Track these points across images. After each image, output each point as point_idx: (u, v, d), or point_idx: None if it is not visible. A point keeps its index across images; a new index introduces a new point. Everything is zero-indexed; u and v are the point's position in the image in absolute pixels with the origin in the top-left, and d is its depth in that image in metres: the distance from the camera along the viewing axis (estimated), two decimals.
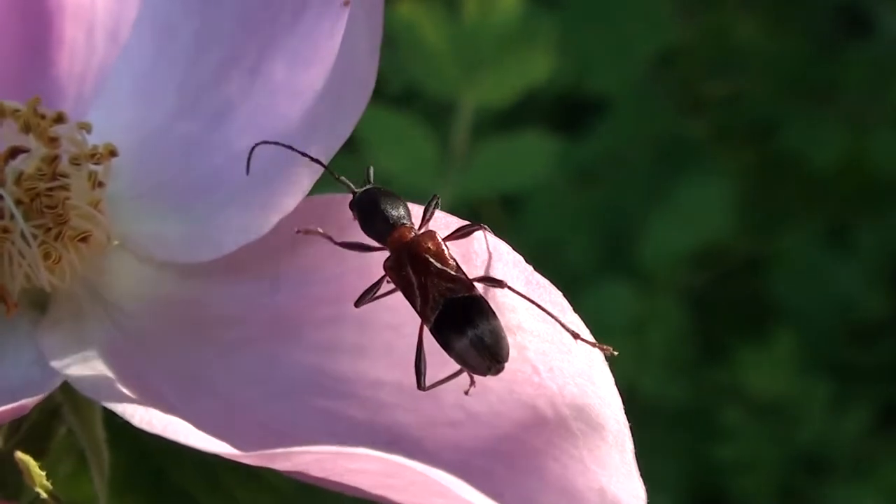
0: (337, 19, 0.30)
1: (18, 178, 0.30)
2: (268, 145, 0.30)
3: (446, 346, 0.28)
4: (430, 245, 0.29)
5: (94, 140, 0.32)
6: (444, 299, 0.28)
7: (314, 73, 0.30)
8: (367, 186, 0.30)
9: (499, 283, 0.29)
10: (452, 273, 0.29)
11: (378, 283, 0.29)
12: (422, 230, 0.29)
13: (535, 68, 0.71)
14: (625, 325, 0.96)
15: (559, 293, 0.28)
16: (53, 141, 0.31)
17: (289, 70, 0.31)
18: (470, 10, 0.71)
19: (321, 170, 0.30)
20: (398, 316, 0.29)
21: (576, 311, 0.29)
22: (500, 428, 0.28)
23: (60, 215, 0.30)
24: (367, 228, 0.30)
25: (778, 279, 1.01)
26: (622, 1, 1.01)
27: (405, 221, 0.29)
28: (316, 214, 0.30)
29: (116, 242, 0.32)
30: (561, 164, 0.79)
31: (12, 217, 0.30)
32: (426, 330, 0.28)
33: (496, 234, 0.30)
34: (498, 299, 0.28)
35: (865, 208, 1.02)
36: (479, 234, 0.29)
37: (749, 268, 1.04)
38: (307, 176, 0.30)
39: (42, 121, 0.31)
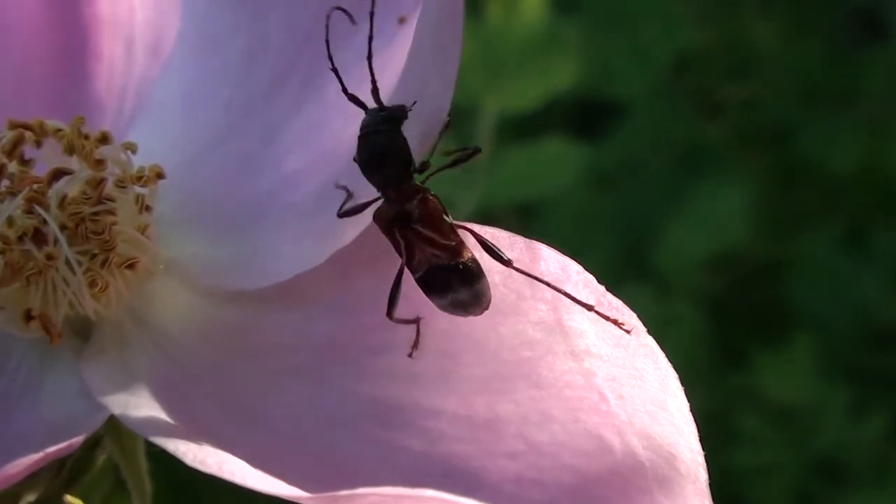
0: (393, 35, 0.28)
1: (62, 202, 0.29)
2: (326, 164, 0.29)
3: (427, 296, 0.28)
4: (421, 212, 0.28)
5: (139, 160, 0.30)
6: (428, 265, 0.28)
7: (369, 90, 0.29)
8: (378, 121, 0.28)
9: (506, 263, 0.27)
10: (441, 242, 0.28)
11: (396, 287, 0.28)
12: (415, 199, 0.28)
13: (558, 74, 0.70)
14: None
15: (634, 316, 0.27)
16: (99, 163, 0.29)
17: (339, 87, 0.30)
18: (493, 16, 0.69)
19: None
20: (454, 343, 0.28)
21: None
22: (564, 459, 0.26)
23: (107, 241, 0.29)
24: (365, 171, 0.28)
25: (796, 284, 1.00)
26: (641, 6, 0.99)
27: (403, 177, 0.28)
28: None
29: (162, 267, 0.30)
30: (579, 168, 0.78)
31: (56, 242, 0.28)
32: (407, 271, 0.28)
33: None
34: (565, 323, 0.27)
35: (884, 212, 1.01)
36: (548, 254, 0.28)
37: (767, 272, 1.02)
38: (370, 205, 0.28)
39: (86, 141, 0.30)
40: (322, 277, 0.29)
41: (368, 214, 0.28)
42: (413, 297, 0.28)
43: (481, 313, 0.28)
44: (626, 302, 0.89)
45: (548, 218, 0.96)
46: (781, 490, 0.95)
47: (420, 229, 0.28)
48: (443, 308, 0.28)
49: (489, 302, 0.27)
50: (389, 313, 0.28)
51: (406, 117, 0.28)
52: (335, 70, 0.28)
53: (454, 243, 0.27)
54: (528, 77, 0.69)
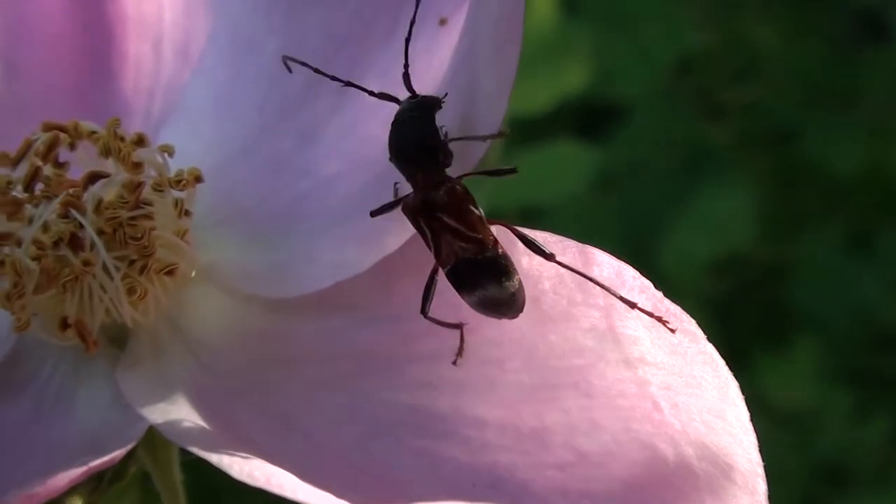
0: (433, 38, 0.27)
1: (98, 206, 0.28)
2: (365, 168, 0.28)
3: (459, 294, 0.27)
4: (447, 201, 0.27)
5: (174, 163, 0.29)
6: (455, 258, 0.27)
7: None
8: (410, 108, 0.27)
9: (548, 256, 0.27)
10: (468, 234, 0.27)
11: (430, 284, 0.27)
12: (442, 188, 0.27)
13: (569, 77, 0.69)
14: None
15: (693, 321, 0.26)
16: (136, 166, 0.28)
17: (381, 89, 0.29)
18: None
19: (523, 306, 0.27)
20: (500, 350, 0.27)
21: None
22: (614, 470, 0.26)
23: (146, 247, 0.28)
24: (395, 158, 0.27)
25: (798, 286, 0.99)
26: (643, 8, 0.99)
27: (432, 165, 0.27)
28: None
29: (198, 273, 0.29)
30: (588, 172, 0.77)
31: (93, 248, 0.27)
32: (441, 269, 0.27)
33: None
34: (618, 330, 0.26)
35: (887, 215, 1.01)
36: (603, 259, 0.27)
37: (770, 275, 1.02)
38: (402, 201, 0.27)
39: (122, 144, 0.29)
40: (363, 285, 0.28)
41: (408, 225, 0.27)
42: (459, 304, 0.27)
43: (515, 316, 0.27)
44: None
45: (550, 220, 0.95)
46: (784, 493, 0.95)
47: (446, 219, 0.27)
48: (475, 307, 0.27)
49: (522, 303, 0.27)
50: (423, 310, 0.27)
51: (440, 107, 0.27)
52: (351, 84, 0.28)
53: (481, 236, 0.27)
54: (540, 80, 0.68)
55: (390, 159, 0.27)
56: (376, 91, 0.28)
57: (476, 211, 0.27)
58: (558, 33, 0.69)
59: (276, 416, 0.27)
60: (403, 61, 0.27)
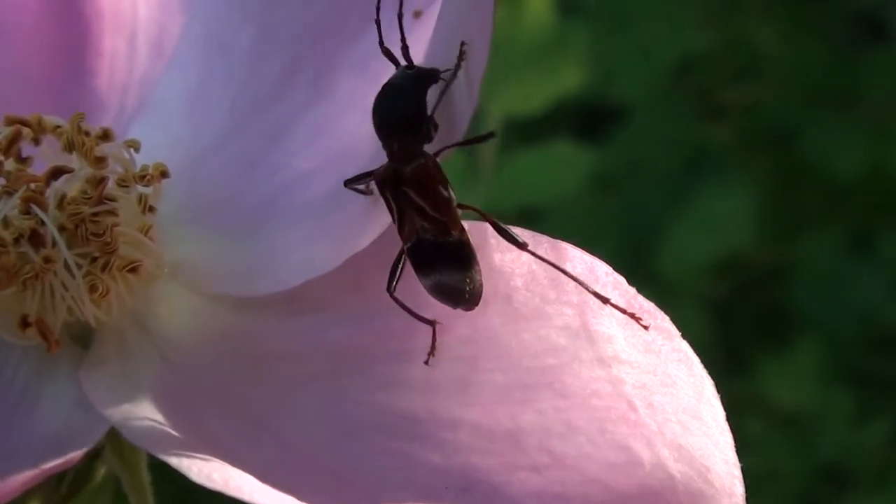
0: (408, 32, 0.27)
1: (61, 202, 0.27)
2: (340, 163, 0.27)
3: (416, 275, 0.26)
4: (416, 176, 0.26)
5: (142, 159, 0.29)
6: (415, 237, 0.26)
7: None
8: (401, 76, 0.26)
9: (521, 245, 0.26)
10: (431, 213, 0.26)
11: (397, 262, 0.26)
12: (414, 163, 0.26)
13: (564, 78, 0.69)
14: None
15: (666, 318, 0.25)
16: (100, 161, 0.27)
17: (354, 84, 0.28)
18: (500, 19, 0.68)
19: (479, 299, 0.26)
20: (473, 348, 0.26)
21: None
22: (590, 472, 0.25)
23: (108, 244, 0.27)
24: (374, 124, 0.26)
25: (799, 288, 0.98)
26: (644, 8, 0.98)
27: (409, 138, 0.26)
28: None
29: (166, 271, 0.28)
30: (586, 173, 0.77)
31: (54, 245, 0.27)
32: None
33: None
34: (592, 328, 0.25)
35: (888, 216, 1.00)
36: (575, 254, 0.26)
37: (770, 276, 1.01)
38: (384, 214, 0.26)
39: (86, 138, 0.28)
40: (335, 282, 0.27)
41: (383, 218, 0.26)
42: (434, 302, 0.26)
43: (470, 308, 0.26)
44: None
45: (550, 221, 0.94)
46: (785, 495, 0.94)
47: (412, 195, 0.26)
48: (430, 292, 0.26)
49: (479, 296, 0.26)
50: (389, 287, 0.26)
51: (435, 80, 0.26)
52: (378, 22, 0.27)
53: (445, 218, 0.26)
54: (535, 80, 0.68)
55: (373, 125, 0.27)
56: (384, 46, 0.27)
57: (445, 192, 0.26)
58: (554, 34, 0.68)
59: (245, 417, 0.26)
60: (400, 35, 0.26)
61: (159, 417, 0.26)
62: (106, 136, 0.28)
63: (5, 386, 0.27)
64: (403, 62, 0.27)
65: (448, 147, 0.27)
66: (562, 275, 0.25)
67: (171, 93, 0.30)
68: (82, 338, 0.28)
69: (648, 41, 0.97)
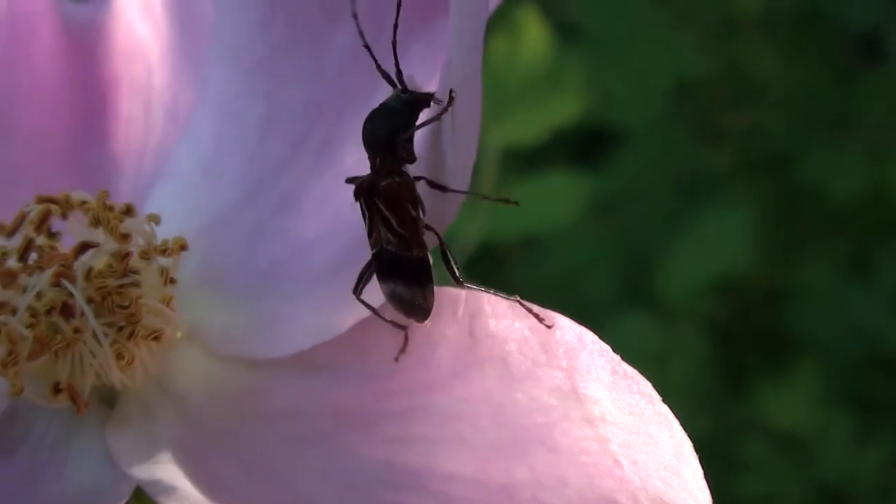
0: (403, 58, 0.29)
1: (88, 274, 0.30)
2: (343, 232, 0.30)
3: (378, 281, 0.29)
4: (386, 190, 0.29)
5: (161, 228, 0.31)
6: (380, 246, 0.29)
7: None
8: (394, 97, 0.29)
9: (458, 281, 0.28)
10: (396, 228, 0.28)
11: (366, 268, 0.29)
12: (389, 179, 0.29)
13: (561, 108, 0.71)
14: (646, 357, 0.95)
15: (648, 384, 0.28)
16: (124, 237, 0.30)
17: (357, 154, 0.31)
18: (497, 51, 0.70)
19: (428, 314, 0.29)
20: (470, 408, 0.29)
21: None
22: None
23: (133, 314, 0.30)
24: (362, 137, 0.29)
25: (799, 310, 1.00)
26: (641, 34, 1.00)
27: (390, 155, 0.29)
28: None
29: (182, 334, 0.31)
30: (583, 201, 0.79)
31: (83, 315, 0.29)
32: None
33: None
34: (580, 390, 0.28)
35: (886, 238, 1.02)
36: (562, 323, 0.29)
37: (769, 299, 1.03)
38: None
39: (111, 213, 0.31)
40: (339, 344, 0.30)
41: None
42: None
43: (422, 321, 0.29)
44: (629, 329, 0.90)
45: (550, 244, 0.97)
46: None
47: (381, 207, 0.29)
48: (387, 299, 0.29)
49: (429, 311, 0.29)
50: (355, 290, 0.29)
51: (427, 105, 0.28)
52: (368, 47, 0.29)
53: (408, 235, 0.28)
54: (532, 111, 0.70)
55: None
56: (382, 68, 0.29)
57: (413, 212, 0.29)
58: (551, 65, 0.71)
59: (259, 472, 0.29)
60: (394, 61, 0.29)
61: (180, 474, 0.28)
62: (129, 211, 0.31)
63: (36, 444, 0.30)
64: (400, 86, 0.29)
65: (424, 178, 0.29)
66: (552, 340, 0.28)
67: (187, 163, 0.33)
68: (108, 398, 0.31)
69: (646, 66, 0.99)
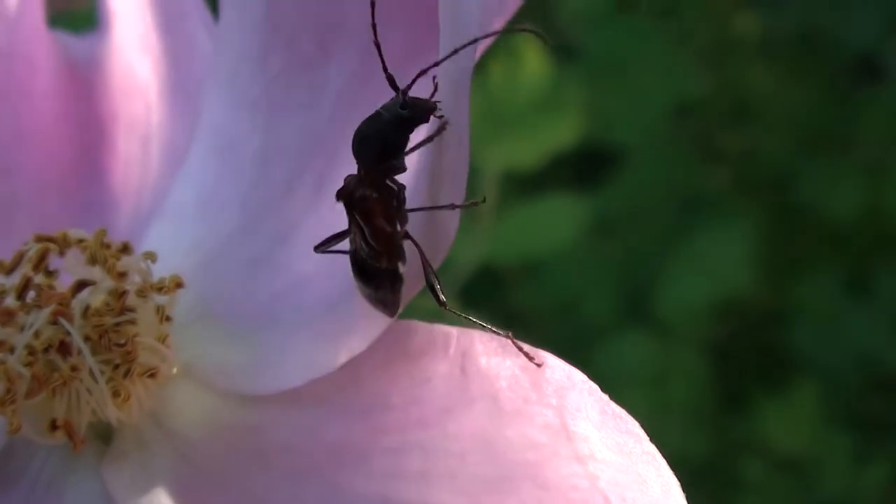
0: None
1: (85, 312, 0.30)
2: (338, 268, 0.30)
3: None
4: (361, 203, 0.29)
5: (158, 265, 0.32)
6: (354, 247, 0.29)
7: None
8: (389, 107, 0.28)
9: (441, 303, 0.29)
10: (367, 238, 0.29)
11: (337, 234, 0.30)
12: (367, 191, 0.29)
13: (560, 133, 0.72)
14: (645, 377, 0.96)
15: (636, 423, 0.28)
16: (122, 275, 0.31)
17: None
18: (496, 77, 0.71)
19: (395, 312, 0.29)
20: (462, 444, 0.29)
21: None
22: None
23: (129, 352, 0.30)
24: (352, 141, 0.29)
25: (798, 330, 1.01)
26: (640, 54, 1.01)
27: (373, 166, 0.28)
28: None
29: (178, 370, 0.32)
30: (582, 224, 0.80)
31: (80, 353, 0.30)
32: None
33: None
34: (570, 428, 0.28)
35: (885, 258, 1.03)
36: (552, 362, 0.29)
37: (769, 319, 1.04)
38: (381, 316, 0.29)
39: (108, 251, 0.31)
40: (333, 380, 0.30)
41: (380, 324, 0.29)
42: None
43: (392, 316, 0.30)
44: (628, 349, 0.90)
45: (549, 265, 0.97)
46: None
47: (357, 216, 0.29)
48: (360, 293, 0.30)
49: (396, 309, 0.29)
50: (317, 246, 0.30)
51: (423, 120, 0.28)
52: (378, 45, 0.28)
53: (380, 249, 0.29)
54: (531, 136, 0.71)
55: None
56: (388, 72, 0.29)
57: (388, 228, 0.29)
58: (550, 90, 0.71)
59: None
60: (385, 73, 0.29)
61: None
62: (126, 249, 0.31)
63: (32, 480, 0.30)
64: (403, 96, 0.29)
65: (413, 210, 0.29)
66: (542, 379, 0.28)
67: (185, 198, 0.34)
68: (104, 434, 0.31)
69: (646, 86, 0.99)
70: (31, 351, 0.30)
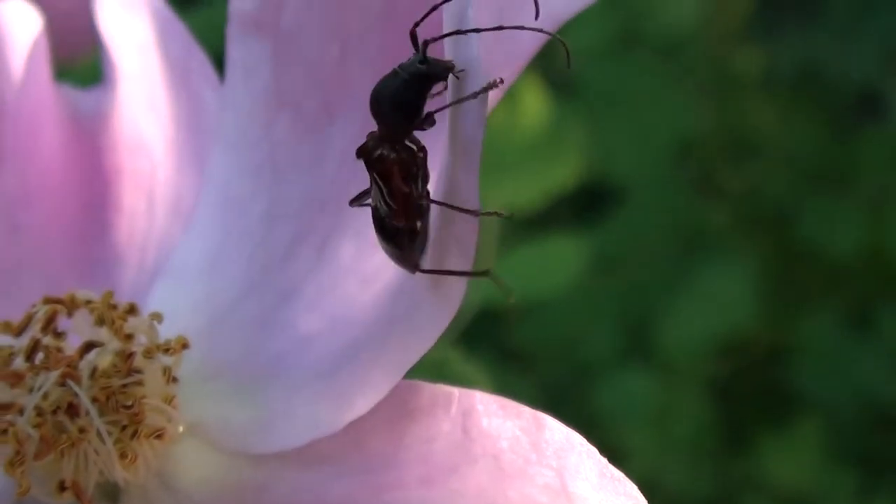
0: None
1: (93, 373, 0.31)
2: (341, 329, 0.31)
3: None
4: (379, 163, 0.29)
5: (164, 324, 0.32)
6: (374, 206, 0.29)
7: (382, 261, 0.31)
8: (408, 66, 0.28)
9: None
10: (386, 198, 0.29)
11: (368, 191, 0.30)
12: (384, 151, 0.28)
13: (560, 174, 0.73)
14: (647, 415, 0.96)
15: (634, 486, 0.29)
16: (129, 337, 0.32)
17: (356, 252, 0.32)
18: (496, 117, 0.72)
19: (400, 376, 0.30)
20: (463, 500, 0.30)
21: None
22: None
23: (136, 414, 0.31)
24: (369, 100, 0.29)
25: (800, 367, 1.01)
26: (641, 90, 1.02)
27: (390, 125, 0.28)
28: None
29: (183, 429, 0.32)
30: (584, 263, 0.80)
31: (88, 414, 0.31)
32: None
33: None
34: (570, 489, 0.29)
35: (887, 294, 1.03)
36: (551, 424, 0.30)
37: (771, 356, 1.04)
38: (384, 378, 0.30)
39: (115, 313, 0.32)
40: (337, 439, 0.31)
41: (382, 385, 0.30)
42: None
43: (410, 272, 0.29)
44: (631, 387, 0.90)
45: (550, 307, 0.98)
46: None
47: (375, 175, 0.29)
48: (380, 245, 0.30)
49: (415, 267, 0.29)
50: (352, 201, 0.30)
51: (441, 77, 0.28)
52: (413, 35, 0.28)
53: (396, 208, 0.29)
54: (532, 177, 0.72)
55: None
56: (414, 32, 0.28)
57: (405, 188, 0.29)
58: (550, 131, 0.72)
59: None
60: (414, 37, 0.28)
61: None
62: (132, 310, 0.32)
63: None
64: (423, 52, 0.28)
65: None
66: (542, 440, 0.29)
67: (191, 258, 0.34)
68: (111, 494, 0.32)
69: (646, 123, 1.00)
70: (40, 412, 0.31)
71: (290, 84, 0.33)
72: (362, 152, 0.29)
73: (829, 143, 1.06)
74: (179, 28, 0.37)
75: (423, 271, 0.29)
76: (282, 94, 0.33)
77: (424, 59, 0.28)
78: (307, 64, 0.33)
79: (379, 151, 0.29)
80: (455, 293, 0.29)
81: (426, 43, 0.28)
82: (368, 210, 0.32)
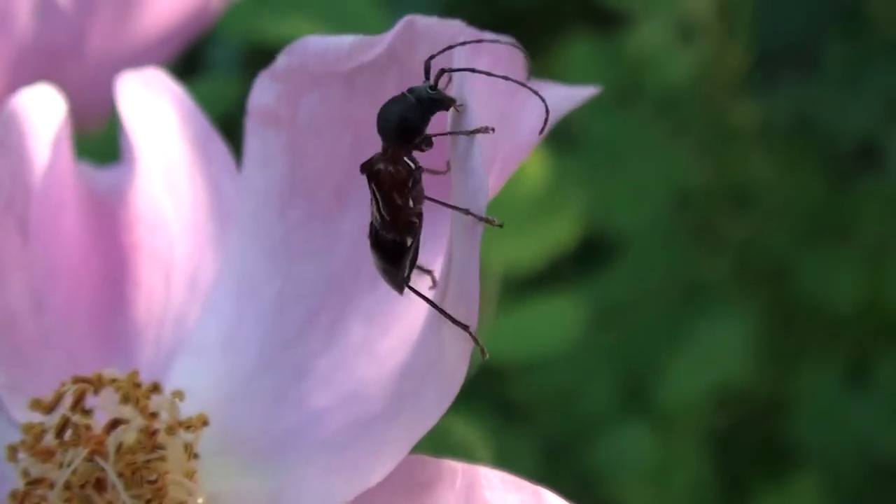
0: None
1: (119, 449, 0.34)
2: (351, 404, 0.33)
3: None
4: (377, 177, 0.31)
5: (184, 401, 0.35)
6: (371, 218, 0.32)
7: (393, 342, 0.33)
8: (417, 91, 0.31)
9: (465, 327, 0.31)
10: (381, 208, 0.31)
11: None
12: (386, 165, 0.31)
13: (561, 233, 0.75)
14: (645, 470, 0.98)
15: None
16: (153, 415, 0.34)
17: (365, 331, 0.35)
18: None
19: (408, 449, 0.32)
20: None
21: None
22: None
23: (160, 489, 0.33)
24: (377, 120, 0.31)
25: (799, 420, 1.03)
26: (638, 142, 1.04)
27: (397, 144, 0.31)
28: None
29: (201, 501, 0.35)
30: (582, 322, 0.82)
31: (114, 488, 0.33)
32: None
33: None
34: None
35: (886, 347, 1.05)
36: (550, 498, 0.32)
37: (769, 409, 1.06)
38: (394, 451, 0.32)
39: (139, 391, 0.34)
40: None
41: (393, 458, 0.33)
42: None
43: (399, 293, 0.32)
44: (628, 441, 0.92)
45: (547, 362, 0.99)
46: None
47: (374, 188, 0.32)
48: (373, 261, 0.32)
49: (402, 287, 0.32)
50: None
51: (443, 107, 0.31)
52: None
53: (389, 220, 0.31)
54: (531, 238, 0.74)
55: None
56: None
57: (399, 200, 0.31)
58: (549, 191, 0.74)
59: None
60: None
61: None
62: (156, 388, 0.35)
63: None
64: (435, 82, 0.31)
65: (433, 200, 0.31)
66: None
67: (209, 336, 0.37)
68: None
69: (643, 175, 1.03)
70: (69, 487, 0.33)
71: (304, 173, 0.36)
72: (365, 166, 0.32)
73: (827, 194, 1.08)
74: (200, 116, 0.39)
75: (411, 289, 0.32)
76: (296, 182, 0.36)
77: (434, 87, 0.31)
78: (321, 154, 0.35)
79: (379, 165, 0.32)
80: (459, 371, 0.31)
81: (441, 72, 0.31)
82: (378, 292, 0.34)
